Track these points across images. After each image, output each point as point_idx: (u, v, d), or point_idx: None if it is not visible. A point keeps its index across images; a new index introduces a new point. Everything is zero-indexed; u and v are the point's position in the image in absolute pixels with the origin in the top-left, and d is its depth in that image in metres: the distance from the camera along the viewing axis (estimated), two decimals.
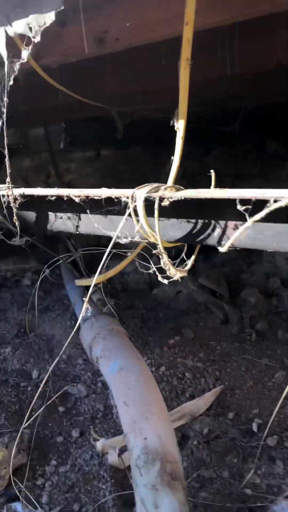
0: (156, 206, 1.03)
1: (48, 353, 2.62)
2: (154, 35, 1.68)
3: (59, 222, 1.43)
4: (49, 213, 1.45)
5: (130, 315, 3.10)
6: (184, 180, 5.56)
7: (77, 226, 1.38)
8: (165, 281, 1.25)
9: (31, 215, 1.50)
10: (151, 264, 1.29)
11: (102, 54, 1.78)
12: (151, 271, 1.28)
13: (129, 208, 1.09)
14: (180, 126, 1.28)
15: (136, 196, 1.06)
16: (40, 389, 1.82)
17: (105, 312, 1.97)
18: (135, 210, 1.08)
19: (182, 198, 1.00)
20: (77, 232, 1.39)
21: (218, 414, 1.96)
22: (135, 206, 1.08)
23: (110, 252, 1.23)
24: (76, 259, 1.83)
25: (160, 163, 5.89)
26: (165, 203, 1.03)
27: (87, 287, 1.93)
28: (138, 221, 1.08)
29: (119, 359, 1.54)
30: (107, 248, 1.20)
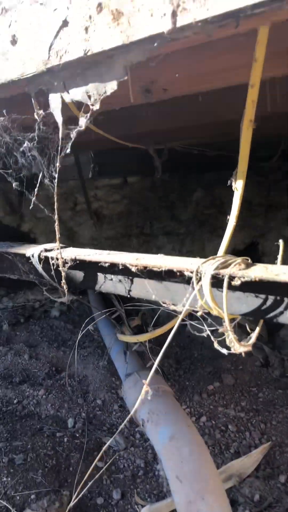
0: (225, 285, 0.97)
1: (82, 397, 2.55)
2: (204, 86, 1.65)
3: (109, 284, 1.38)
4: (99, 274, 1.40)
5: (164, 354, 3.01)
6: (213, 208, 5.50)
7: (129, 290, 1.33)
8: (225, 352, 1.18)
9: (79, 275, 1.45)
10: (204, 327, 1.23)
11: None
12: (204, 334, 1.21)
13: (192, 283, 1.03)
14: (238, 186, 1.22)
15: (202, 272, 1.00)
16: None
17: (149, 367, 1.89)
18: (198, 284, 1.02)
19: (257, 279, 0.93)
20: (129, 296, 1.33)
21: (268, 476, 1.84)
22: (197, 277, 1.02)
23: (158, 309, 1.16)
24: (121, 315, 1.78)
25: (187, 190, 5.87)
26: (236, 282, 0.96)
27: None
28: (193, 287, 1.02)
29: (168, 426, 1.46)
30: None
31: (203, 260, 1.06)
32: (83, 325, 2.17)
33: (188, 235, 5.35)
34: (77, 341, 2.47)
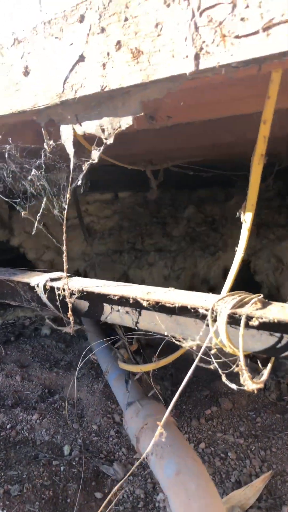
0: (242, 326, 0.95)
1: (78, 422, 2.49)
2: (210, 115, 1.65)
3: (116, 315, 1.36)
4: (105, 304, 1.37)
5: (159, 375, 2.97)
6: (205, 225, 5.49)
7: (137, 322, 1.30)
8: (234, 387, 1.16)
9: (84, 304, 1.42)
10: (211, 358, 1.21)
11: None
12: (211, 366, 1.19)
13: (207, 320, 1.01)
14: (247, 218, 1.22)
15: (217, 310, 0.99)
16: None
17: (151, 396, 1.86)
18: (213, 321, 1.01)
19: (275, 321, 0.92)
20: (136, 328, 1.31)
21: (270, 507, 1.81)
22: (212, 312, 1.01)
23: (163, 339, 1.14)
24: (124, 344, 1.75)
25: (179, 206, 5.89)
26: (254, 323, 0.95)
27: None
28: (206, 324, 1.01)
29: (174, 459, 1.42)
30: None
31: (217, 296, 1.04)
32: (83, 354, 2.12)
33: (180, 252, 5.34)
34: (76, 372, 2.40)
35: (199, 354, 1.03)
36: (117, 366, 2.24)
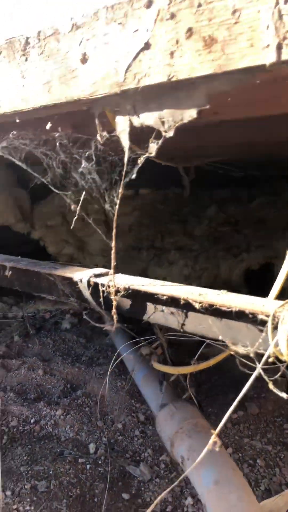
0: None
1: (102, 420, 2.46)
2: (260, 112, 1.59)
3: (159, 315, 1.31)
4: (148, 303, 1.33)
5: (182, 375, 2.93)
6: (227, 226, 5.42)
7: (182, 324, 1.26)
8: (284, 395, 1.11)
9: (126, 302, 1.38)
10: (257, 364, 1.16)
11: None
12: (255, 374, 1.14)
13: (266, 327, 0.96)
14: None
15: (280, 318, 0.94)
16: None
17: (185, 398, 1.82)
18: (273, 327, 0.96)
19: None
20: (181, 330, 1.26)
21: None
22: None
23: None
24: (162, 345, 1.71)
25: (200, 205, 5.81)
26: None
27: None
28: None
29: (212, 467, 1.38)
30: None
31: (277, 302, 0.99)
32: (116, 354, 2.08)
33: (202, 251, 5.28)
34: (108, 374, 2.36)
35: (260, 365, 0.97)
36: (145, 365, 2.21)
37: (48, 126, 1.23)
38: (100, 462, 2.08)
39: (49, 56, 1.14)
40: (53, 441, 2.24)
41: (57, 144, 1.22)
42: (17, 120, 1.32)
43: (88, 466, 2.05)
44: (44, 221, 5.32)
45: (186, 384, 1.63)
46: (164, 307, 1.29)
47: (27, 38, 1.18)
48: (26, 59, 1.19)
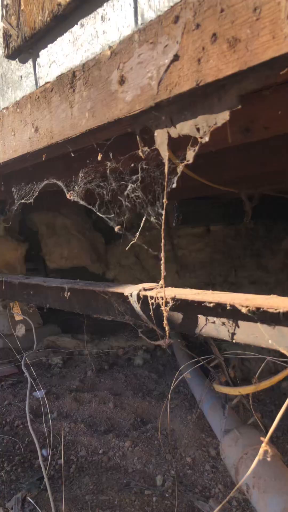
0: None
1: (170, 453, 2.38)
2: None
3: (211, 327, 1.28)
4: (199, 315, 1.31)
5: (257, 411, 2.76)
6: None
7: (233, 334, 1.22)
8: None
9: (177, 316, 1.38)
10: None
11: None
12: None
13: None
14: None
15: None
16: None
17: (250, 424, 1.71)
18: None
19: None
20: (233, 341, 1.22)
21: None
22: None
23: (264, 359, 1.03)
24: (221, 363, 1.65)
25: (274, 238, 5.66)
26: None
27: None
28: None
29: (279, 495, 1.26)
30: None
31: None
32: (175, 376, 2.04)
33: (277, 284, 5.09)
34: (168, 398, 2.32)
35: None
36: (212, 394, 2.13)
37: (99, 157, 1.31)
38: (167, 495, 1.99)
39: (92, 84, 1.24)
40: (120, 472, 2.20)
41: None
42: (70, 149, 1.43)
43: (154, 499, 1.97)
44: (117, 261, 5.51)
45: (249, 408, 1.53)
46: (215, 319, 1.26)
47: (74, 71, 1.29)
48: (74, 90, 1.31)
